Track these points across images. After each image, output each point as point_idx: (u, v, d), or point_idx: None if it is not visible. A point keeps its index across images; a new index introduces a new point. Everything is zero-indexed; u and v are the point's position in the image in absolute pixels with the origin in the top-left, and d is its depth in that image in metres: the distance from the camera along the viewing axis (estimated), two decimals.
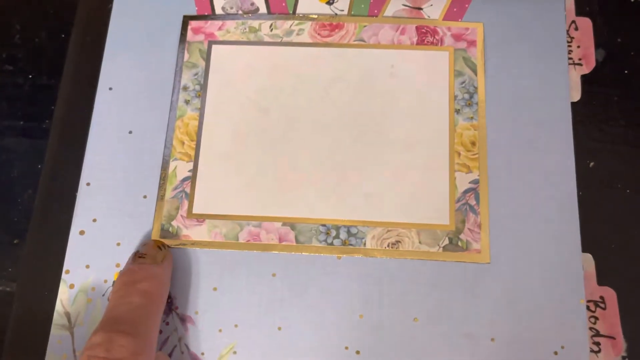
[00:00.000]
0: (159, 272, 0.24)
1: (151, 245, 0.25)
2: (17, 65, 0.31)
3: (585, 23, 0.30)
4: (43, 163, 0.28)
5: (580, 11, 0.30)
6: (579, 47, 0.29)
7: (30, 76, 0.31)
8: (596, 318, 0.25)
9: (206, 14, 0.29)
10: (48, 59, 0.31)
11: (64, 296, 0.25)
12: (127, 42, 0.29)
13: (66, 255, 0.26)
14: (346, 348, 0.24)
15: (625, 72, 0.30)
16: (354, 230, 0.25)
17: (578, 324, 0.24)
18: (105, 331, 0.21)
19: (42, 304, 0.26)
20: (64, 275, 0.25)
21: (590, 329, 0.25)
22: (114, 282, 0.25)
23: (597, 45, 0.30)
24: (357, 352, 0.24)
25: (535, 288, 0.24)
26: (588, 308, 0.25)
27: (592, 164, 0.28)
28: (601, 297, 0.25)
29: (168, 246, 0.25)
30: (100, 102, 0.28)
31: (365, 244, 0.25)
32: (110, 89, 0.28)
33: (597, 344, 0.24)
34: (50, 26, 0.32)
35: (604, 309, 0.25)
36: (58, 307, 0.25)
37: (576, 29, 0.29)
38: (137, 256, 0.24)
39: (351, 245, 0.25)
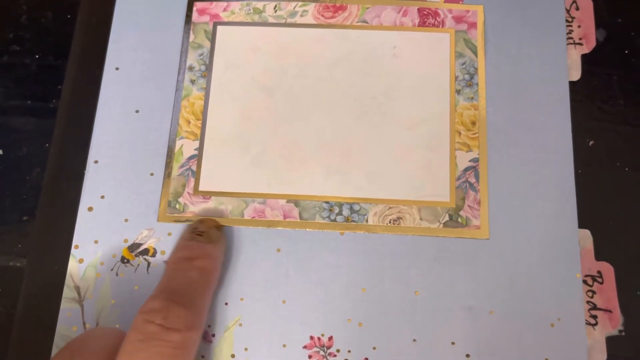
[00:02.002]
0: (215, 251, 0.24)
1: (208, 224, 0.25)
2: (24, 45, 0.31)
3: (586, 3, 0.30)
4: (51, 142, 0.29)
5: None
6: (579, 27, 0.29)
7: (37, 56, 0.31)
8: (593, 292, 0.25)
9: None
10: (54, 39, 0.31)
11: (74, 270, 0.25)
12: (133, 23, 0.29)
13: (75, 231, 0.26)
14: (349, 320, 0.24)
15: (626, 52, 0.30)
16: (356, 207, 0.26)
17: (574, 298, 0.24)
18: (163, 299, 0.21)
19: (52, 278, 0.26)
20: (73, 251, 0.26)
21: (588, 302, 0.25)
22: (122, 256, 0.25)
23: (598, 25, 0.30)
24: (360, 324, 0.24)
25: (533, 263, 0.25)
26: (586, 282, 0.25)
27: (591, 142, 0.28)
28: (599, 272, 0.26)
29: (223, 226, 0.25)
30: (107, 82, 0.28)
31: (367, 220, 0.26)
32: (117, 69, 0.28)
33: (594, 317, 0.25)
34: (57, 7, 0.32)
35: (602, 283, 0.25)
36: (68, 281, 0.25)
37: (577, 8, 0.29)
38: (195, 233, 0.24)
39: (354, 221, 0.26)
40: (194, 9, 0.29)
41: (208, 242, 0.24)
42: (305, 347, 0.24)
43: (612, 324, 0.25)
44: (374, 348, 0.24)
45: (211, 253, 0.24)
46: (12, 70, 0.31)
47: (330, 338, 0.24)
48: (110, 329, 0.22)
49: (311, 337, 0.24)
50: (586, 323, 0.25)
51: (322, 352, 0.24)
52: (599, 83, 0.29)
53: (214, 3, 0.29)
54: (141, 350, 0.19)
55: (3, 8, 0.32)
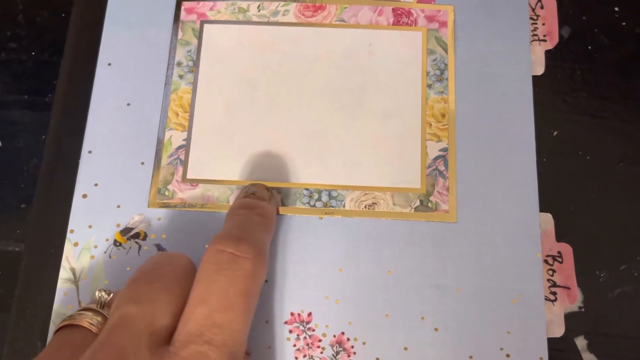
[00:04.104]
0: (269, 207, 0.25)
1: (259, 186, 0.26)
2: (20, 43, 0.32)
3: (551, 2, 0.31)
4: (47, 133, 0.30)
5: None
6: (544, 24, 0.31)
7: (33, 53, 0.32)
8: (554, 271, 0.27)
9: None
10: (49, 36, 0.32)
11: (69, 253, 0.27)
12: (124, 21, 0.30)
13: (70, 217, 0.27)
14: (327, 298, 0.26)
15: (589, 47, 0.31)
16: (334, 194, 0.28)
17: (535, 276, 0.26)
18: (232, 234, 0.22)
19: (49, 260, 0.27)
20: (68, 235, 0.27)
21: (548, 280, 0.27)
22: (114, 240, 0.27)
23: (564, 22, 0.32)
24: (337, 301, 0.26)
25: (497, 244, 0.27)
26: (546, 262, 0.27)
27: (555, 132, 0.30)
28: (559, 252, 0.27)
29: (271, 189, 0.27)
30: (100, 77, 0.29)
31: (344, 205, 0.27)
32: (110, 64, 0.30)
33: (554, 293, 0.27)
34: (51, 6, 0.33)
35: (561, 262, 0.27)
36: (64, 263, 0.27)
37: (542, 7, 0.31)
38: (249, 192, 0.26)
39: (332, 207, 0.27)
40: (182, 8, 0.30)
41: (261, 200, 0.25)
42: (286, 322, 0.26)
43: (570, 300, 0.27)
44: (350, 323, 0.26)
45: (267, 205, 0.25)
46: (9, 66, 0.32)
47: (310, 314, 0.26)
48: (175, 254, 0.23)
49: (292, 314, 0.26)
50: (546, 299, 0.26)
51: (301, 327, 0.26)
52: (562, 77, 0.31)
53: (201, 2, 0.30)
54: (216, 281, 0.20)
55: (0, 7, 0.33)
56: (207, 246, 0.22)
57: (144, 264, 0.22)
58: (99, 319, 0.21)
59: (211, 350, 0.18)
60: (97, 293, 0.22)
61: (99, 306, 0.22)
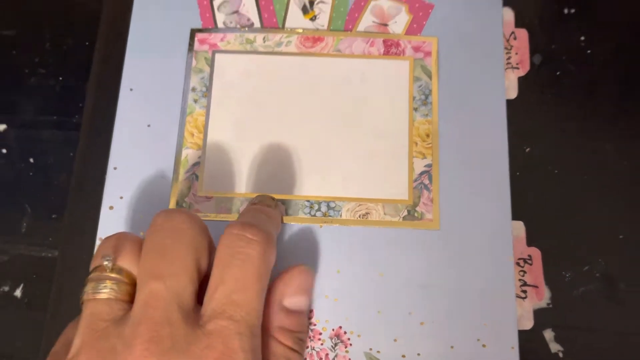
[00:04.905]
0: (275, 212, 0.28)
1: (265, 196, 0.29)
2: (48, 68, 0.35)
3: (523, 34, 0.34)
4: (75, 151, 0.33)
5: (519, 23, 0.34)
6: (517, 53, 0.34)
7: (60, 78, 0.35)
8: (524, 272, 0.30)
9: (210, 27, 0.34)
10: (75, 63, 0.35)
11: None
12: (144, 50, 0.33)
13: (98, 226, 0.30)
14: (326, 297, 0.29)
15: (557, 73, 0.34)
16: (332, 205, 0.31)
17: (507, 276, 0.29)
18: (244, 222, 0.24)
19: (80, 265, 0.30)
20: (97, 242, 0.30)
21: (519, 280, 0.30)
22: None
23: (535, 51, 0.34)
24: (335, 300, 0.29)
25: (474, 248, 0.30)
26: (518, 264, 0.30)
27: (528, 149, 0.32)
28: (529, 255, 0.30)
29: (276, 199, 0.30)
30: (122, 101, 0.32)
31: (341, 215, 0.30)
32: (131, 89, 0.33)
33: (524, 291, 0.30)
34: (77, 35, 0.35)
35: (531, 264, 0.30)
36: None
37: (515, 38, 0.34)
38: (257, 202, 0.28)
39: (330, 216, 0.30)
40: (196, 39, 0.33)
41: (267, 207, 0.28)
42: None
43: (538, 297, 0.30)
44: (347, 318, 0.29)
45: (272, 210, 0.28)
46: (39, 90, 0.35)
47: (311, 311, 0.29)
48: (175, 221, 0.24)
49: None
50: (517, 296, 0.30)
51: None
52: (533, 100, 0.33)
53: (213, 34, 0.34)
54: (232, 264, 0.23)
55: (29, 36, 0.36)
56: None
57: (151, 235, 0.24)
58: (115, 287, 0.23)
59: (232, 324, 0.21)
60: (104, 263, 0.23)
61: (109, 271, 0.23)
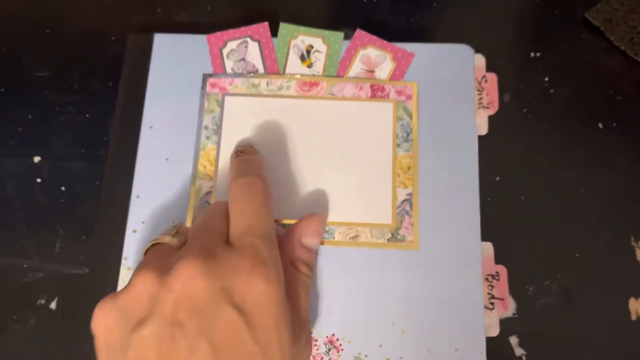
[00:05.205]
0: (257, 157, 0.33)
1: (244, 144, 0.35)
2: (77, 107, 0.38)
3: (493, 77, 0.37)
4: (101, 180, 0.36)
5: (490, 68, 0.38)
6: (487, 95, 0.37)
7: (87, 115, 0.38)
8: (492, 286, 0.34)
9: (220, 73, 0.37)
10: (101, 102, 0.38)
11: (124, 276, 0.33)
12: (162, 92, 0.36)
13: (124, 247, 0.33)
14: (322, 308, 0.33)
15: (524, 110, 0.37)
16: (327, 228, 0.34)
17: (477, 290, 0.32)
18: (243, 172, 0.31)
19: (108, 282, 0.33)
20: (123, 261, 0.33)
21: (488, 293, 0.33)
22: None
23: (505, 90, 0.37)
24: (328, 311, 0.33)
25: (449, 266, 0.33)
26: (487, 279, 0.34)
27: (498, 178, 0.35)
28: (496, 272, 0.34)
29: (253, 146, 0.35)
30: (143, 137, 0.35)
31: (334, 237, 0.34)
32: (151, 127, 0.36)
33: (492, 303, 0.33)
34: (101, 77, 0.39)
35: (498, 280, 0.34)
36: (120, 283, 0.33)
37: (486, 81, 0.37)
38: (239, 151, 0.33)
39: (325, 238, 0.34)
40: (208, 83, 0.37)
41: (251, 155, 0.33)
42: None
43: (504, 308, 0.34)
44: (339, 327, 0.32)
45: (257, 157, 0.33)
46: (69, 126, 0.38)
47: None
48: (215, 205, 0.31)
49: None
50: (486, 307, 0.33)
51: None
52: (502, 135, 0.36)
53: (222, 79, 0.37)
54: (243, 200, 0.29)
55: (60, 78, 0.39)
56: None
57: (198, 217, 0.31)
58: (176, 240, 0.30)
59: (256, 238, 0.27)
60: (173, 223, 0.32)
61: (174, 232, 0.31)
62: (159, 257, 0.28)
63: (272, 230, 0.28)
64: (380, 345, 0.32)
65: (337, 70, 0.37)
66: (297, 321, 0.28)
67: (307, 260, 0.31)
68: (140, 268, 0.27)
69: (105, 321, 0.26)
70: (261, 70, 0.37)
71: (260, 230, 0.28)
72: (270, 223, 0.29)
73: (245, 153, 0.33)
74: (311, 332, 0.32)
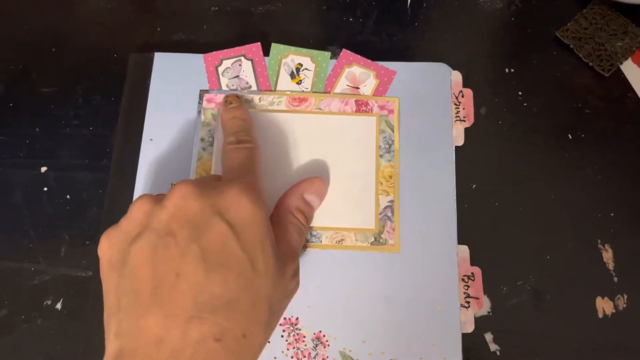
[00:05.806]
0: (244, 113, 0.36)
1: (231, 95, 0.37)
2: (81, 120, 0.40)
3: (469, 93, 0.40)
4: (104, 189, 0.38)
5: (466, 83, 0.40)
6: (464, 108, 0.39)
7: (91, 128, 0.40)
8: (468, 286, 0.36)
9: (216, 89, 0.39)
10: (103, 116, 0.40)
11: None
12: (162, 107, 0.39)
13: None
14: (309, 307, 0.35)
15: (499, 122, 0.39)
16: (314, 232, 0.36)
17: (453, 290, 0.35)
18: (232, 133, 0.35)
19: None
20: None
21: (464, 292, 0.36)
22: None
23: (481, 104, 0.39)
24: (316, 310, 0.35)
25: (427, 267, 0.35)
26: (463, 280, 0.36)
27: (474, 186, 0.38)
28: (472, 273, 0.36)
29: (240, 96, 0.38)
30: (144, 149, 0.37)
31: (321, 241, 0.36)
32: (151, 139, 0.38)
33: (468, 302, 0.36)
34: (104, 92, 0.41)
35: (474, 280, 0.36)
36: None
37: (462, 96, 0.40)
38: (227, 102, 0.36)
39: (312, 242, 0.36)
40: (204, 98, 0.39)
41: (239, 104, 0.36)
42: (280, 324, 0.35)
43: (479, 307, 0.37)
44: (325, 324, 0.35)
45: (243, 112, 0.36)
46: (74, 138, 0.40)
47: (297, 318, 0.35)
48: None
49: (284, 318, 0.35)
50: (462, 306, 0.36)
51: (291, 327, 0.35)
52: (477, 146, 0.39)
53: (218, 95, 0.40)
54: (236, 156, 0.33)
55: (65, 94, 0.41)
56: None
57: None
58: None
59: (246, 184, 0.29)
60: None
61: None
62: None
63: (259, 182, 0.31)
64: (364, 341, 0.35)
65: (325, 86, 0.39)
66: (285, 251, 0.31)
67: (305, 211, 0.33)
68: (137, 198, 0.29)
69: (108, 243, 0.28)
70: (254, 86, 0.39)
71: (253, 177, 0.31)
72: (258, 175, 0.32)
73: (234, 102, 0.36)
74: (299, 269, 0.33)
